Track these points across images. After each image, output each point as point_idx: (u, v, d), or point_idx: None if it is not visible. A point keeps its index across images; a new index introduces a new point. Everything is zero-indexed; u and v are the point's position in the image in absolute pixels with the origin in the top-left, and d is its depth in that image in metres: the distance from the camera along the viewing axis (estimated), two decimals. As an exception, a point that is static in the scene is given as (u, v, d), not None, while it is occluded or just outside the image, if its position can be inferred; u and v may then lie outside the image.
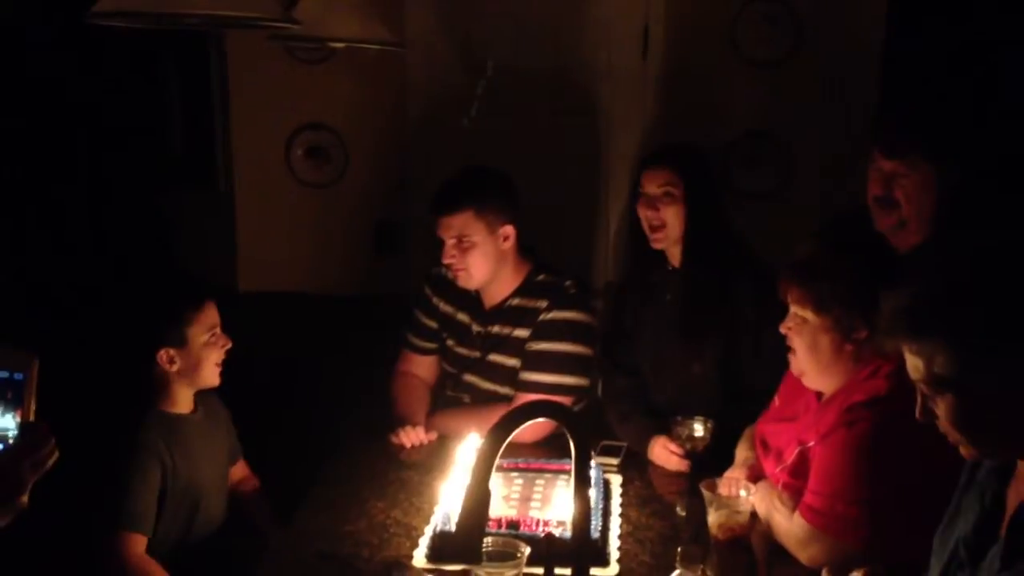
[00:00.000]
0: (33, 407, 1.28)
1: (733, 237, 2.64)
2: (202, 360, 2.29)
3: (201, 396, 2.39)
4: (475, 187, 2.65)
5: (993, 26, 3.14)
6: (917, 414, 1.40)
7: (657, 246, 2.63)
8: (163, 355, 2.26)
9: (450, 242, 2.62)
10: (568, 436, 1.51)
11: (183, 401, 2.33)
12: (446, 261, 2.65)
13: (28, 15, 3.65)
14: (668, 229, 2.58)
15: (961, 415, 1.33)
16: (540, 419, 1.59)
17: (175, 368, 2.27)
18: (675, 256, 2.65)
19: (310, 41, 2.09)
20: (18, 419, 1.25)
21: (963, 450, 1.39)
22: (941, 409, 1.35)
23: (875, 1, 3.35)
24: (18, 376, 1.26)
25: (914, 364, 1.35)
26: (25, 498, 1.24)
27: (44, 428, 1.28)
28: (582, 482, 1.48)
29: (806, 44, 3.41)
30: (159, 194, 4.03)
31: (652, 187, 2.58)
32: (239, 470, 2.59)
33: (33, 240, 3.76)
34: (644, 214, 2.60)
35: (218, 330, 2.32)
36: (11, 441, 1.26)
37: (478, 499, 1.42)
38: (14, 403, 1.26)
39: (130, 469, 2.19)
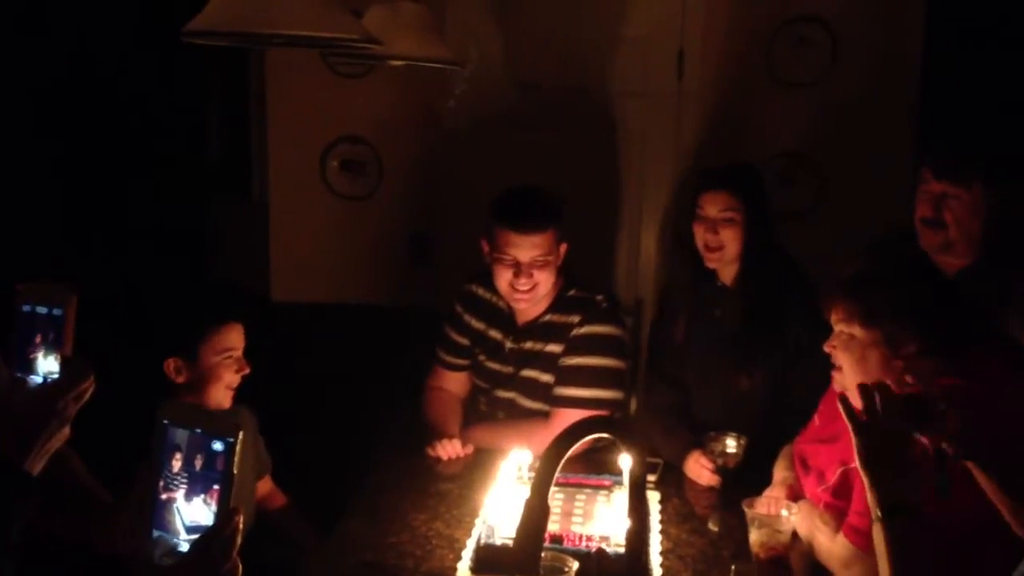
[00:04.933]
0: (71, 341, 1.30)
1: (785, 257, 2.65)
2: (210, 379, 2.24)
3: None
4: (551, 205, 2.63)
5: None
6: None
7: (711, 266, 2.64)
8: (170, 364, 2.21)
9: (526, 261, 2.56)
10: (624, 452, 1.52)
11: None
12: (520, 282, 2.57)
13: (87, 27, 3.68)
14: (725, 251, 2.59)
15: None
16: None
17: (181, 379, 2.22)
18: (726, 274, 2.66)
19: (369, 59, 2.10)
20: (60, 358, 1.29)
21: None
22: None
23: (912, 20, 3.35)
24: (57, 312, 1.30)
25: None
26: (67, 429, 1.28)
27: (83, 362, 1.31)
28: (639, 499, 1.49)
29: (841, 64, 3.43)
30: (195, 201, 4.06)
31: (712, 210, 2.59)
32: (263, 486, 2.57)
33: (78, 242, 3.78)
34: (702, 235, 2.61)
35: (235, 354, 2.26)
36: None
37: (538, 514, 1.44)
38: (56, 344, 1.30)
39: None
